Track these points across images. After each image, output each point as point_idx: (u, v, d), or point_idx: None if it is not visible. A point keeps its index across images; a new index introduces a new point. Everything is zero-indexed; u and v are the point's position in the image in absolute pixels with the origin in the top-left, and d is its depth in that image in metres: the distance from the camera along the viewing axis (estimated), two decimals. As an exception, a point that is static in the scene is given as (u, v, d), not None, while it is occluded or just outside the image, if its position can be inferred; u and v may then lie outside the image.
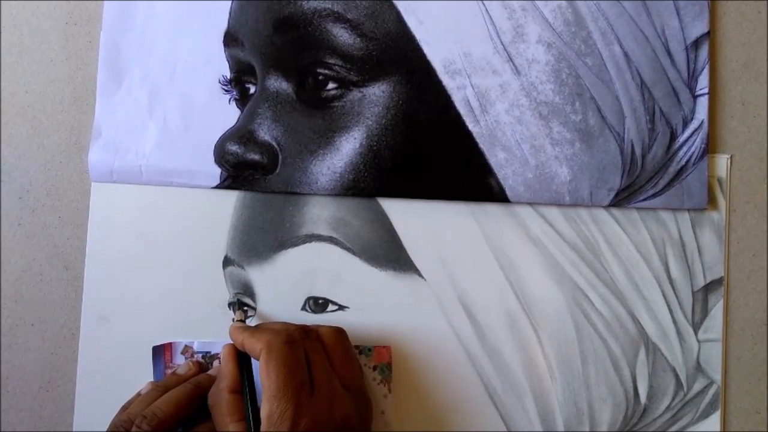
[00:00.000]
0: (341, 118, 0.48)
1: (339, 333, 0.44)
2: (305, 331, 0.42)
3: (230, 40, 0.48)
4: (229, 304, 0.48)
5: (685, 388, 0.49)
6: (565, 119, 0.48)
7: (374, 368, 0.47)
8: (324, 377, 0.40)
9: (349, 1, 0.48)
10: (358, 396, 0.42)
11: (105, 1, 0.49)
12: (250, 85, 0.49)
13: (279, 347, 0.40)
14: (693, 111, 0.49)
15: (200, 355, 0.47)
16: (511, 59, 0.48)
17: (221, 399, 0.41)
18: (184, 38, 0.49)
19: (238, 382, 0.42)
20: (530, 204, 0.48)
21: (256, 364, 0.42)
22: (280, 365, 0.39)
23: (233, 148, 0.48)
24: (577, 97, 0.48)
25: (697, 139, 0.48)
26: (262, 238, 0.48)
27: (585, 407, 0.48)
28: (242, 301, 0.48)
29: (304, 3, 0.48)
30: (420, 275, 0.48)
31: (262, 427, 0.38)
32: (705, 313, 0.49)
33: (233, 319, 0.46)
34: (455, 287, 0.48)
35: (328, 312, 0.48)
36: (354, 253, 0.48)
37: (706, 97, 0.49)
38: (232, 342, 0.43)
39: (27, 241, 0.49)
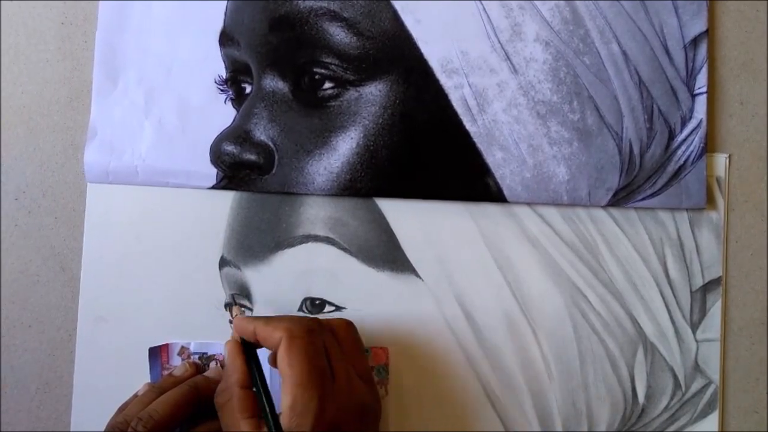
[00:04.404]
0: (338, 118, 0.48)
1: (350, 325, 0.43)
2: (318, 322, 0.42)
3: (226, 39, 0.48)
4: (226, 305, 0.48)
5: (684, 388, 0.48)
6: (563, 118, 0.48)
7: (373, 369, 0.47)
8: (342, 366, 0.40)
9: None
10: (371, 387, 0.42)
11: (100, 1, 0.49)
12: (246, 85, 0.48)
13: (301, 335, 0.39)
14: (691, 110, 0.48)
15: (197, 356, 0.47)
16: (508, 58, 0.48)
17: (232, 395, 0.40)
18: (179, 38, 0.48)
19: (248, 377, 0.40)
20: (528, 204, 0.48)
21: (263, 357, 0.41)
22: (303, 353, 0.38)
23: (229, 148, 0.47)
24: (575, 96, 0.48)
25: (696, 138, 0.48)
26: (258, 238, 0.48)
27: (583, 407, 0.48)
28: (239, 302, 0.48)
29: (300, 2, 0.48)
30: (417, 275, 0.48)
31: (283, 419, 0.37)
32: (703, 312, 0.49)
33: (231, 317, 0.46)
34: (453, 287, 0.48)
35: (325, 313, 0.48)
36: (351, 254, 0.48)
37: (705, 96, 0.48)
38: (232, 339, 0.42)
39: (23, 242, 0.49)
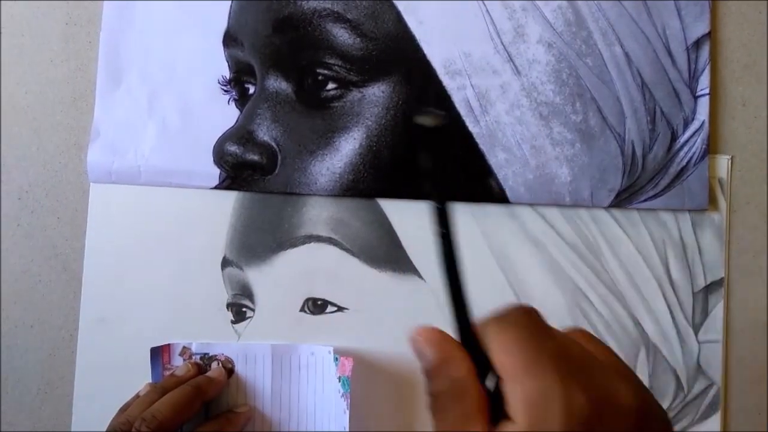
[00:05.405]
0: (341, 119, 0.48)
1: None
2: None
3: (230, 40, 0.48)
4: (228, 305, 0.48)
5: (686, 389, 0.48)
6: (565, 120, 0.48)
7: (339, 379, 0.46)
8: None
9: (349, 1, 0.48)
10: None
11: (104, 2, 0.49)
12: (249, 86, 0.48)
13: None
14: (694, 111, 0.48)
15: (198, 356, 0.47)
16: (511, 59, 0.48)
17: (465, 392, 0.26)
18: (183, 39, 0.48)
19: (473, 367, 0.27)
20: (530, 205, 0.48)
21: None
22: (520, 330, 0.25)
23: (232, 148, 0.47)
24: (577, 98, 0.48)
25: (698, 140, 0.48)
26: (260, 238, 0.48)
27: (585, 408, 0.48)
28: (240, 303, 0.48)
29: (303, 3, 0.48)
30: (419, 276, 0.48)
31: (517, 417, 0.25)
32: (705, 314, 0.49)
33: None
34: (455, 288, 0.48)
35: (327, 313, 0.48)
36: (353, 254, 0.48)
37: (707, 97, 0.48)
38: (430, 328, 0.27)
39: (26, 242, 0.49)
